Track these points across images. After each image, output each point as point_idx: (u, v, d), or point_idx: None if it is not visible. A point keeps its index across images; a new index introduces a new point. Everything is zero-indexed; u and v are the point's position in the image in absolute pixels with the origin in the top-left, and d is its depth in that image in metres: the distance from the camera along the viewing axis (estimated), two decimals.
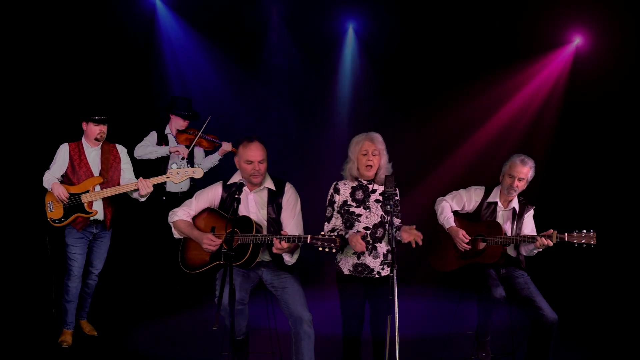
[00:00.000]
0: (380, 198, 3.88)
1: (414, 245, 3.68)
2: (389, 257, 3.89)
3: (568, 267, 6.37)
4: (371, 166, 3.84)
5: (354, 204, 3.87)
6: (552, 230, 4.03)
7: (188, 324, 5.41)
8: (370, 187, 3.91)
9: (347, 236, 3.78)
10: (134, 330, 5.19)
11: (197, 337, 5.04)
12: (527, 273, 4.31)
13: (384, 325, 3.48)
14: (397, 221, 3.96)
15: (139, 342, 4.90)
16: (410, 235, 3.68)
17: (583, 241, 3.97)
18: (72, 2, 6.40)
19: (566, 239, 3.99)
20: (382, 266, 3.86)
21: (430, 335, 5.05)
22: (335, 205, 3.91)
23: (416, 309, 5.91)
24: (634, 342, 5.12)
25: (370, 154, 3.84)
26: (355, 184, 3.92)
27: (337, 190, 3.93)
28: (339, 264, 3.92)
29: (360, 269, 3.85)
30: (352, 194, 3.89)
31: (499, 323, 4.43)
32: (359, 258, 3.85)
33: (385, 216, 3.87)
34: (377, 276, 3.85)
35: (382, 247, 3.88)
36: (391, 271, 3.38)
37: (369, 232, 3.85)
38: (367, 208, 3.86)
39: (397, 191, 3.98)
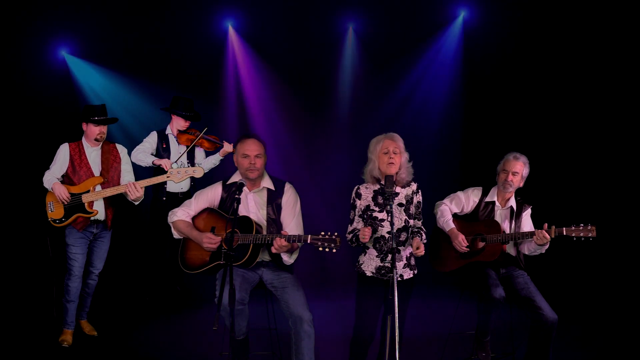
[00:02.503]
0: (404, 201, 3.85)
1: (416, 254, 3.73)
2: (412, 260, 3.90)
3: (568, 267, 6.37)
4: (393, 164, 3.80)
5: (377, 209, 3.84)
6: (546, 225, 4.03)
7: (188, 324, 5.41)
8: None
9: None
10: (134, 330, 5.20)
11: (197, 337, 5.05)
12: (527, 273, 4.31)
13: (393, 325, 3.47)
14: (418, 223, 3.94)
15: (139, 342, 4.90)
16: (413, 249, 3.72)
17: (582, 234, 3.95)
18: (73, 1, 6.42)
19: (565, 233, 3.98)
20: (405, 268, 3.84)
21: (430, 335, 5.05)
22: (357, 210, 3.89)
23: (416, 309, 5.90)
24: (634, 341, 5.12)
25: (392, 152, 3.81)
26: (377, 187, 3.89)
27: (358, 195, 3.90)
28: (362, 266, 3.88)
29: (383, 271, 3.81)
30: (374, 198, 3.86)
31: (499, 323, 4.43)
32: (382, 261, 3.82)
33: (409, 220, 3.86)
34: (399, 279, 3.82)
35: (406, 251, 3.86)
36: (391, 271, 3.38)
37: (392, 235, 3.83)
38: (389, 212, 3.83)
39: (420, 194, 3.95)
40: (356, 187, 3.93)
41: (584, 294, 6.27)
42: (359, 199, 3.89)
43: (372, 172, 3.88)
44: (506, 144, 4.91)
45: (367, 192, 3.89)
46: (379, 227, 3.81)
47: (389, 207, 3.59)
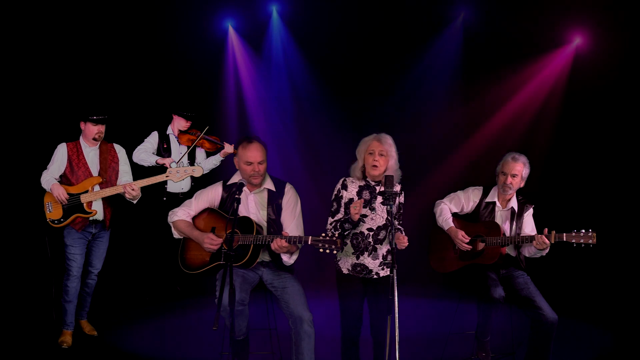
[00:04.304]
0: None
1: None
2: (389, 258, 3.90)
3: (568, 267, 6.37)
4: (376, 166, 3.80)
5: None
6: (546, 230, 4.02)
7: (188, 324, 5.41)
8: (377, 188, 3.89)
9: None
10: (134, 330, 5.19)
11: (197, 337, 5.04)
12: (527, 273, 4.31)
13: (384, 325, 3.49)
14: (395, 222, 3.95)
15: (139, 342, 4.90)
16: (398, 241, 3.73)
17: (582, 241, 3.94)
18: (71, 1, 6.41)
19: (565, 239, 3.97)
20: (381, 267, 3.87)
21: (430, 335, 5.05)
22: (342, 202, 3.88)
23: (416, 309, 5.91)
24: (634, 342, 5.12)
25: (377, 154, 3.81)
26: (362, 183, 3.90)
27: (344, 187, 3.90)
28: (339, 262, 3.92)
29: (359, 269, 3.85)
30: (359, 194, 3.87)
31: (499, 323, 4.43)
32: (357, 258, 3.85)
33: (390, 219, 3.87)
34: (375, 277, 3.86)
35: (382, 249, 3.88)
36: (391, 271, 3.38)
37: (371, 233, 3.85)
38: (372, 209, 3.84)
39: (403, 195, 3.98)
40: (342, 179, 3.94)
41: (584, 294, 6.26)
42: (345, 191, 3.89)
43: (354, 171, 3.90)
44: (508, 144, 4.92)
45: (353, 186, 3.90)
46: (360, 222, 3.83)
47: (389, 206, 3.59)
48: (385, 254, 3.88)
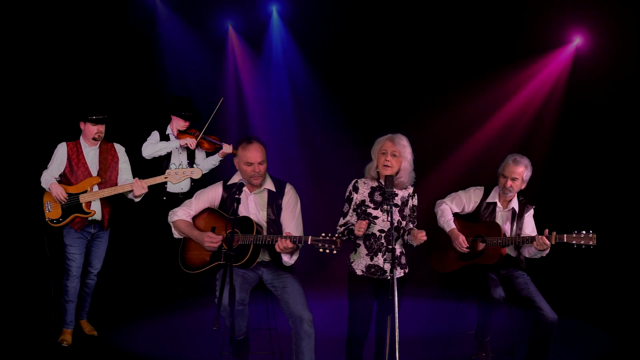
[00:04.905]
0: (399, 203, 3.85)
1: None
2: (402, 259, 3.91)
3: (568, 267, 6.37)
4: (388, 166, 3.78)
5: (372, 205, 3.84)
6: (547, 231, 4.02)
7: (188, 324, 5.41)
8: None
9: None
10: (134, 330, 5.19)
11: (197, 337, 5.04)
12: (527, 273, 4.31)
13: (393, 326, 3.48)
14: (410, 226, 3.95)
15: (139, 342, 4.90)
16: (415, 238, 3.73)
17: (582, 242, 3.94)
18: (71, 1, 6.40)
19: (565, 240, 3.97)
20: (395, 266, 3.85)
21: (430, 335, 5.05)
22: (353, 203, 3.89)
23: (416, 309, 5.90)
24: (634, 342, 5.12)
25: (389, 154, 3.79)
26: (375, 184, 3.88)
27: (355, 189, 3.90)
28: (352, 264, 3.89)
29: (373, 270, 3.83)
30: (371, 195, 3.87)
31: (499, 323, 4.43)
32: (372, 259, 3.83)
33: (402, 221, 3.86)
34: (389, 278, 3.84)
35: (396, 250, 3.86)
36: (391, 271, 3.38)
37: (383, 234, 3.83)
38: (383, 211, 3.80)
39: (416, 198, 3.96)
40: (354, 181, 3.93)
41: (584, 294, 6.26)
42: (356, 193, 3.89)
43: (369, 170, 3.90)
44: (508, 144, 4.90)
45: (364, 187, 3.89)
46: (371, 224, 3.82)
47: (388, 206, 3.58)
48: (398, 254, 3.87)
